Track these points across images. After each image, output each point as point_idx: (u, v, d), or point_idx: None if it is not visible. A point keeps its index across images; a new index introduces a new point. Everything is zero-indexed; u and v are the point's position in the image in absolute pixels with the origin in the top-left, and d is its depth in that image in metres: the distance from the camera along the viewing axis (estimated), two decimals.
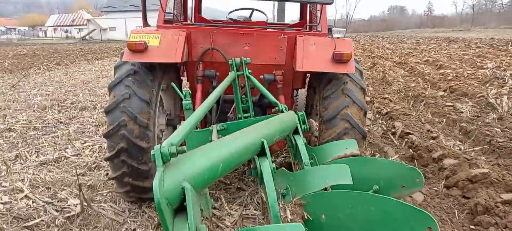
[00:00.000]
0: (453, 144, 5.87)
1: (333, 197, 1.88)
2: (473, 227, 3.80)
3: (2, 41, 32.79)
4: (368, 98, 9.12)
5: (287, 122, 2.71)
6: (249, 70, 3.47)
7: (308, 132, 3.27)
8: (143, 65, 3.54)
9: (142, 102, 3.39)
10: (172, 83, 2.63)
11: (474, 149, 5.69)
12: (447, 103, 8.27)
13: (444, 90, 10.00)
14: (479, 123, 6.88)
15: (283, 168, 2.30)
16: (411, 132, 6.45)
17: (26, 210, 3.88)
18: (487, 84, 10.28)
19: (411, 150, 5.75)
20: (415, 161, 5.46)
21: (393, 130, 6.68)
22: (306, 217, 1.96)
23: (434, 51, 21.21)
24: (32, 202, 4.06)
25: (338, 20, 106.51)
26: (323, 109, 3.80)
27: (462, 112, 7.55)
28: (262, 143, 2.00)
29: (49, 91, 10.87)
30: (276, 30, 3.99)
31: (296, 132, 2.93)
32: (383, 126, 7.09)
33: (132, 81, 3.44)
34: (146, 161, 3.44)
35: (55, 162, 5.28)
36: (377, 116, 7.84)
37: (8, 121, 7.42)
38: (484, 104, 8.05)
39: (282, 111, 3.03)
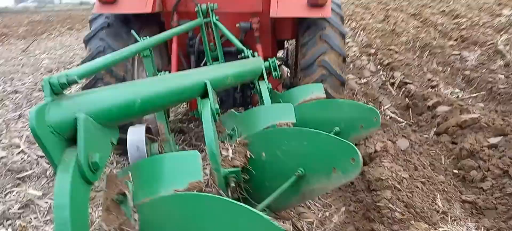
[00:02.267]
0: (450, 91, 5.71)
1: (271, 135, 1.91)
2: (456, 171, 3.76)
3: (18, 9, 33.25)
4: (372, 50, 8.86)
5: (248, 67, 2.68)
6: (217, 17, 3.41)
7: (280, 79, 3.24)
8: (117, 18, 3.53)
9: None
10: (132, 30, 2.62)
11: (471, 95, 5.53)
12: (454, 52, 7.96)
13: (455, 40, 9.58)
14: (484, 70, 6.63)
15: (232, 110, 2.30)
16: (410, 81, 6.29)
17: (20, 163, 4.08)
18: (502, 32, 9.78)
19: (407, 99, 5.63)
20: (410, 109, 5.37)
21: (392, 80, 6.53)
22: (249, 156, 1.99)
23: (453, 1, 20.15)
24: (27, 156, 4.26)
25: None
26: (301, 57, 3.74)
27: (467, 60, 7.27)
28: (205, 84, 1.99)
29: (57, 55, 11.07)
30: None
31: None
32: (382, 76, 6.93)
33: (106, 34, 3.46)
34: None
35: None
36: (378, 67, 7.64)
37: (15, 84, 7.66)
38: (493, 51, 7.70)
39: (248, 57, 3.00)
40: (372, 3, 22.33)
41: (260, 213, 1.16)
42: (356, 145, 1.65)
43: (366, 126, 2.48)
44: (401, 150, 4.05)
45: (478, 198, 3.30)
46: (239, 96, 3.97)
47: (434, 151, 4.19)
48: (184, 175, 1.43)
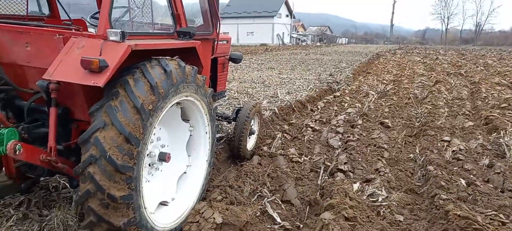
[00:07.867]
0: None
1: None
2: None
3: None
4: (359, 122, 7.53)
5: None
6: None
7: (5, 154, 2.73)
8: None
9: None
10: None
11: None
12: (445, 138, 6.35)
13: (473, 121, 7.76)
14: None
15: None
16: (346, 170, 5.08)
17: None
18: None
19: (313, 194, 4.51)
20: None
21: (328, 163, 5.36)
22: None
23: None
24: None
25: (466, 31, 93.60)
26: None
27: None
28: None
29: None
30: (54, 28, 3.40)
31: None
32: (325, 158, 5.71)
33: None
34: None
35: None
36: (339, 144, 6.36)
37: None
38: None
39: None
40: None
41: None
42: None
43: None
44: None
45: None
46: None
47: None
48: None
